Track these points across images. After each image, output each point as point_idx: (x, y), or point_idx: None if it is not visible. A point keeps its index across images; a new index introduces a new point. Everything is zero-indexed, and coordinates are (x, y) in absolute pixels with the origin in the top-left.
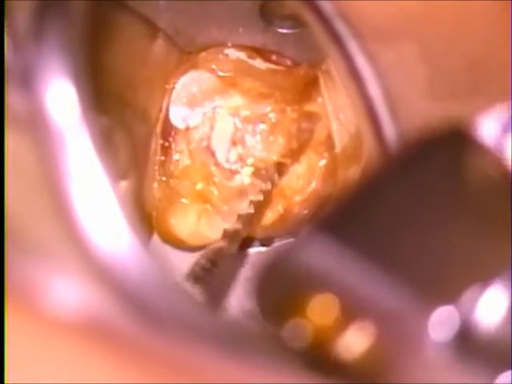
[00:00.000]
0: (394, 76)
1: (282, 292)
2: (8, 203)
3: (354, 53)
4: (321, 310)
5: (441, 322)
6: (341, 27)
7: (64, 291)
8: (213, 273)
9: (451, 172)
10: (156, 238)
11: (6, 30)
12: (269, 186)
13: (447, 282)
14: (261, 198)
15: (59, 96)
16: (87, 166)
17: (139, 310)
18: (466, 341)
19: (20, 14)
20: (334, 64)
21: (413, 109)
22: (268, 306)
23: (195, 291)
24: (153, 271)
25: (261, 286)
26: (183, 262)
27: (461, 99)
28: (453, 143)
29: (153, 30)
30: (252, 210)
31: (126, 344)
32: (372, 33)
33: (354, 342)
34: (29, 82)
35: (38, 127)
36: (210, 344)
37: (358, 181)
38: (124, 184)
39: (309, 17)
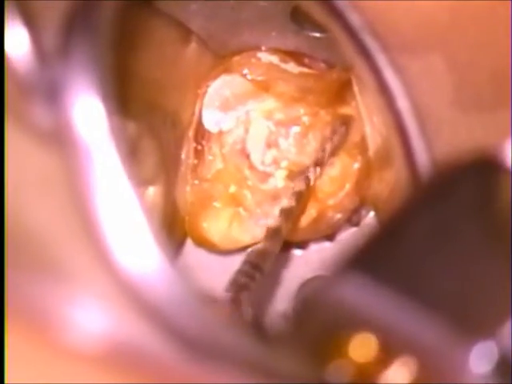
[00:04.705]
0: (421, 87)
1: (318, 333)
2: (35, 219)
3: (382, 66)
4: (361, 348)
5: (480, 356)
6: (369, 40)
7: (89, 312)
8: (256, 278)
9: (480, 200)
10: (188, 245)
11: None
12: (302, 186)
13: (485, 316)
14: (293, 203)
15: (86, 110)
16: (115, 180)
17: (169, 332)
18: (505, 373)
19: (47, 29)
20: (362, 77)
21: (440, 120)
22: (307, 349)
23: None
24: (182, 291)
25: (298, 328)
26: (213, 280)
27: (485, 110)
28: (480, 171)
29: (185, 33)
30: (283, 217)
31: (156, 368)
32: (399, 45)
33: (397, 378)
34: (55, 97)
35: (65, 142)
36: (243, 365)
37: (387, 216)
38: (152, 190)
39: (337, 30)
